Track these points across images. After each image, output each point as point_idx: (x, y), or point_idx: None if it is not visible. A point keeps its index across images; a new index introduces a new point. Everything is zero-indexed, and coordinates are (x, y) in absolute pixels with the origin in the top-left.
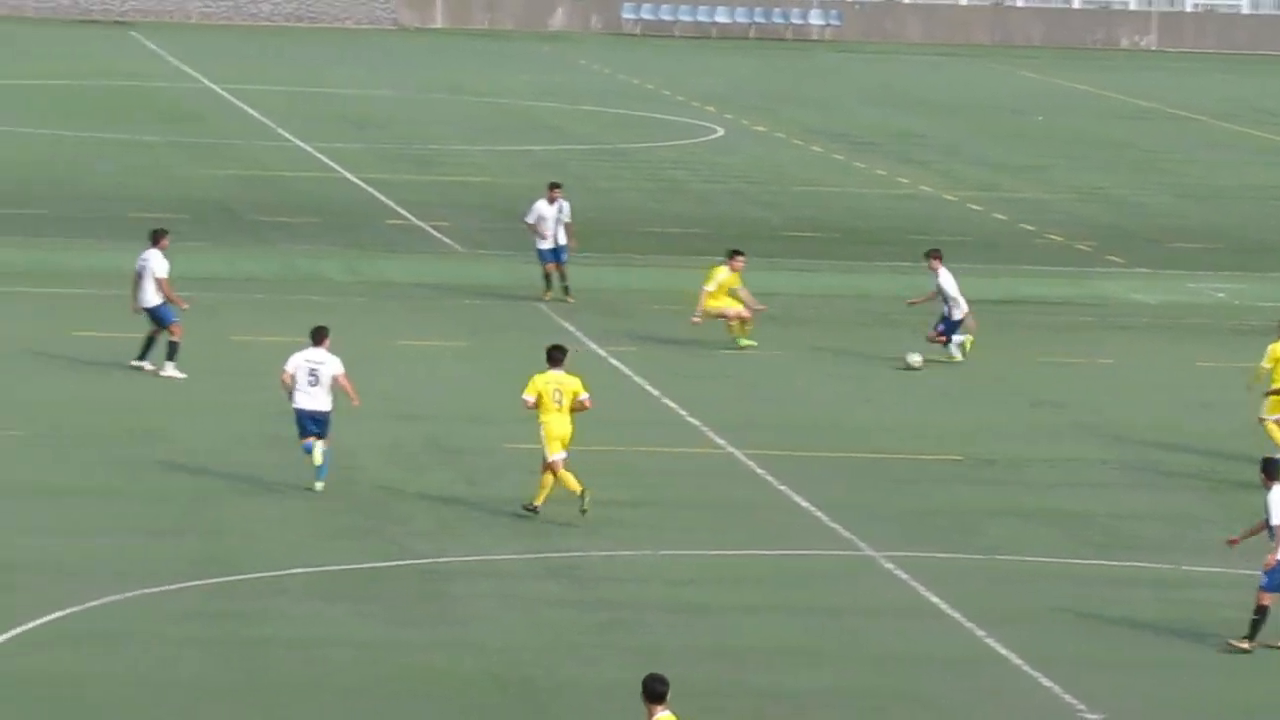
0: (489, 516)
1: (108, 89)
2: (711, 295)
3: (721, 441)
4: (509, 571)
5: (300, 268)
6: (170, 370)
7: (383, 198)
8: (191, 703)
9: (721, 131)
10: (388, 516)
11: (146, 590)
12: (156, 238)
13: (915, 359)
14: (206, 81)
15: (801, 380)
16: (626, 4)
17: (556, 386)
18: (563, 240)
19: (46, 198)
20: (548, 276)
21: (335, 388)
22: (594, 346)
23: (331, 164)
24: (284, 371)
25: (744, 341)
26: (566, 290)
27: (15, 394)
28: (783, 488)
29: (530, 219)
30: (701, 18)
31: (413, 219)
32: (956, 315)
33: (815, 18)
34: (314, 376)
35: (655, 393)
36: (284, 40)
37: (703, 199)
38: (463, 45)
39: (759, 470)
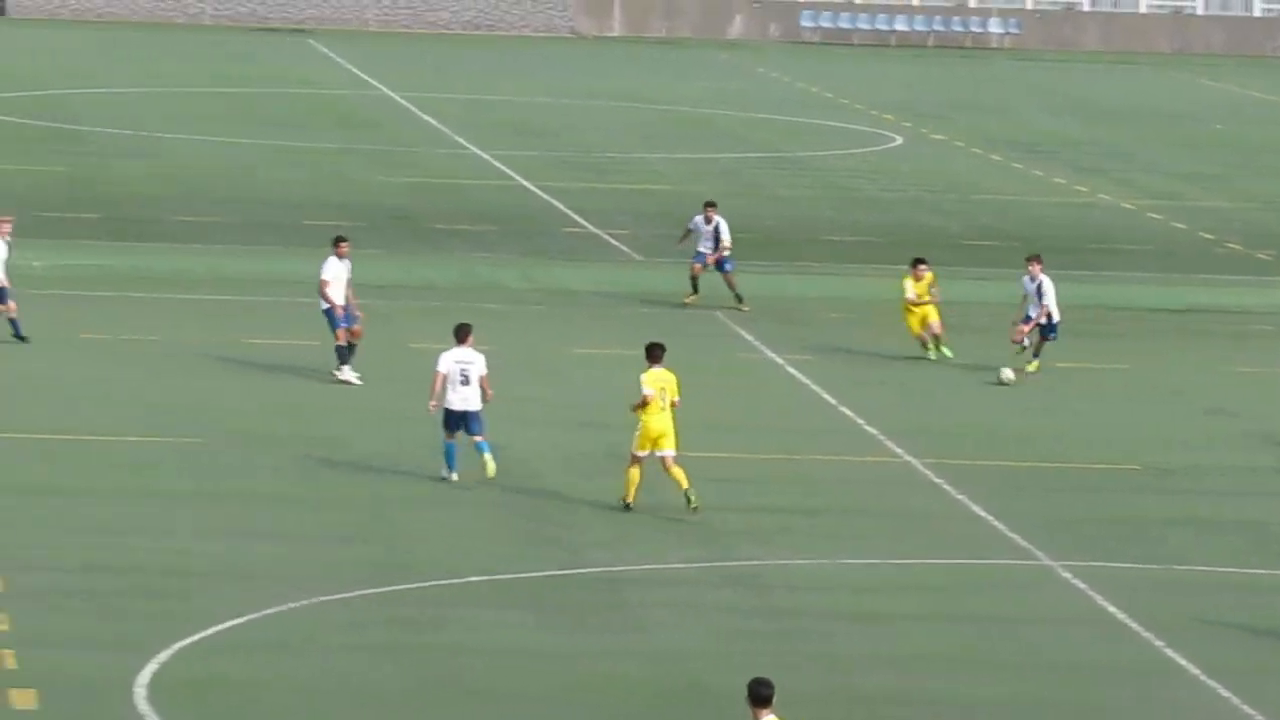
0: (666, 524)
1: (286, 96)
2: (912, 306)
3: (898, 450)
4: (686, 579)
5: (478, 275)
6: (344, 374)
7: (560, 205)
8: (369, 710)
9: (900, 140)
10: (566, 524)
11: (325, 597)
12: (335, 243)
13: (1008, 374)
14: (384, 89)
15: (979, 389)
16: (805, 12)
17: (662, 385)
18: (723, 252)
19: (224, 205)
20: (694, 279)
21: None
22: (771, 354)
23: (509, 172)
24: (436, 373)
25: (945, 351)
26: (739, 298)
27: (194, 400)
28: (960, 496)
29: (690, 225)
30: (880, 26)
31: (590, 227)
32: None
33: (994, 26)
34: (464, 376)
35: (832, 401)
36: (462, 47)
37: (880, 207)
38: (640, 53)
39: (936, 479)
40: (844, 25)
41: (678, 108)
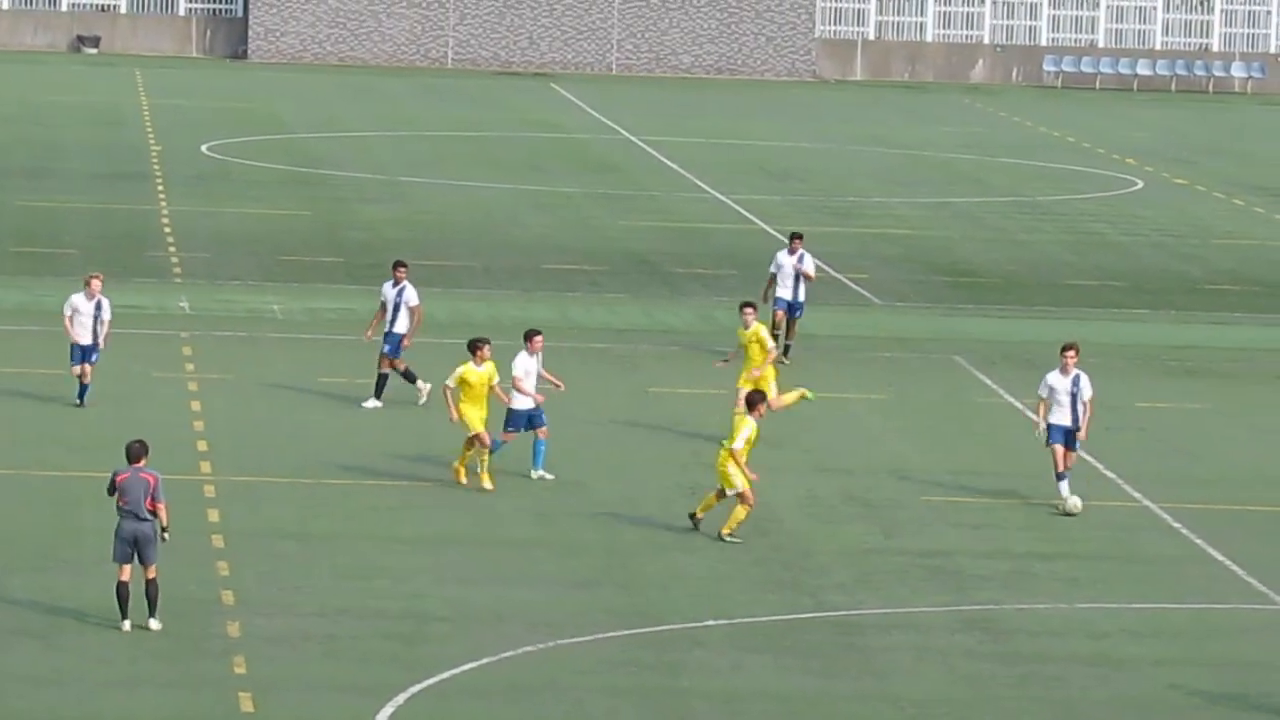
0: (905, 569)
1: (527, 140)
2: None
3: (1137, 495)
4: (925, 624)
5: (718, 320)
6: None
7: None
8: None
9: (1141, 184)
10: (805, 568)
11: (561, 641)
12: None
13: (1074, 503)
14: (625, 133)
15: (1218, 434)
16: (1048, 56)
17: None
18: (801, 295)
19: (465, 249)
20: (777, 326)
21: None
22: (1010, 399)
23: (749, 216)
24: (515, 377)
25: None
26: (786, 350)
27: (431, 444)
28: (1198, 541)
29: (771, 269)
30: (1123, 70)
31: (831, 271)
32: None
33: (1238, 70)
34: (530, 379)
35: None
36: (703, 92)
37: (1122, 251)
38: (882, 97)
39: (1174, 523)
40: (1086, 69)
41: (919, 151)
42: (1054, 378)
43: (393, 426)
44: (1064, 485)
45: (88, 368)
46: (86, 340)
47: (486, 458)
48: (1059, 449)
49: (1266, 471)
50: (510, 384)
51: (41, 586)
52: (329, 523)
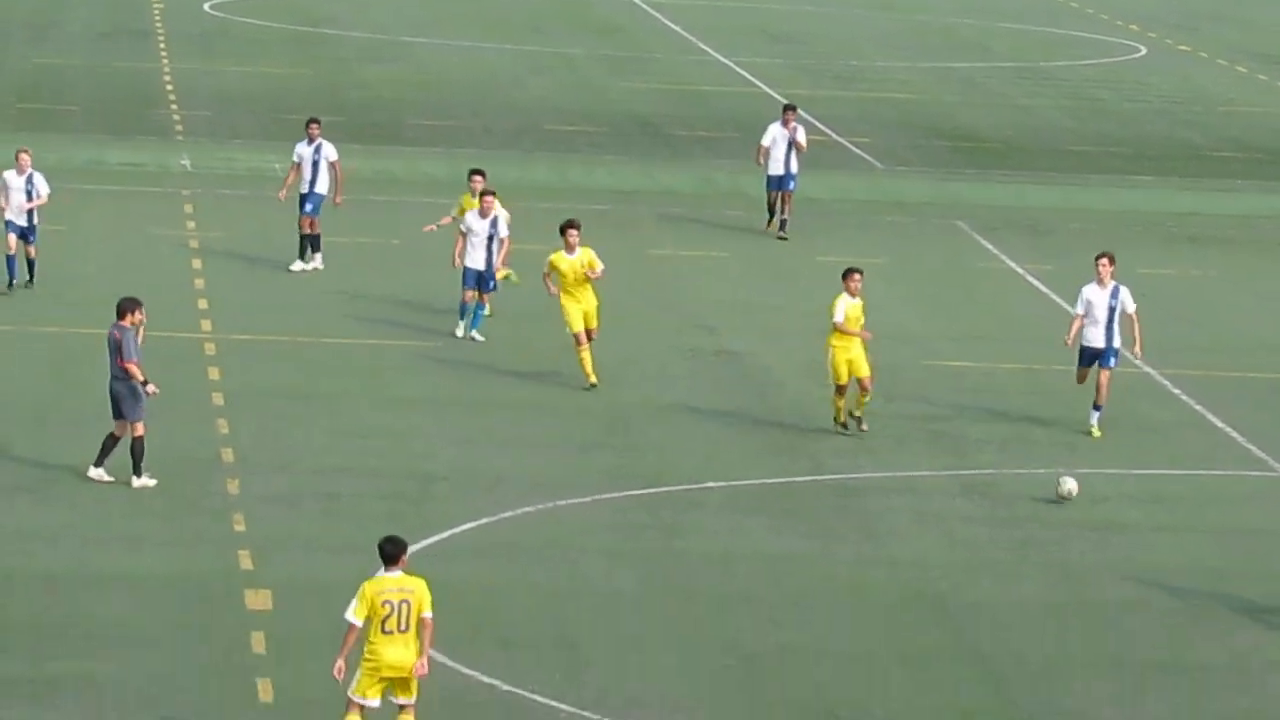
0: (905, 433)
1: (530, 1)
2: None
3: (1137, 361)
4: (924, 488)
5: (719, 183)
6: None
7: (802, 113)
8: (606, 613)
9: (1144, 50)
10: (804, 432)
11: (560, 502)
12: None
13: (1068, 486)
14: None
15: (1220, 301)
16: None
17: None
18: (794, 167)
19: (468, 109)
20: (771, 206)
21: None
22: (1012, 264)
23: (752, 79)
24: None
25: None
26: (783, 225)
27: (433, 303)
28: (1199, 408)
29: (765, 141)
30: None
31: (833, 135)
32: None
33: None
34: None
35: (1072, 310)
36: None
37: (1125, 119)
38: None
39: (1175, 390)
40: None
41: (922, 16)
42: (1090, 290)
43: (387, 283)
44: (1095, 416)
45: (28, 248)
46: (21, 220)
47: (585, 354)
48: (1090, 373)
49: (1268, 338)
50: None
51: (39, 443)
52: (329, 382)
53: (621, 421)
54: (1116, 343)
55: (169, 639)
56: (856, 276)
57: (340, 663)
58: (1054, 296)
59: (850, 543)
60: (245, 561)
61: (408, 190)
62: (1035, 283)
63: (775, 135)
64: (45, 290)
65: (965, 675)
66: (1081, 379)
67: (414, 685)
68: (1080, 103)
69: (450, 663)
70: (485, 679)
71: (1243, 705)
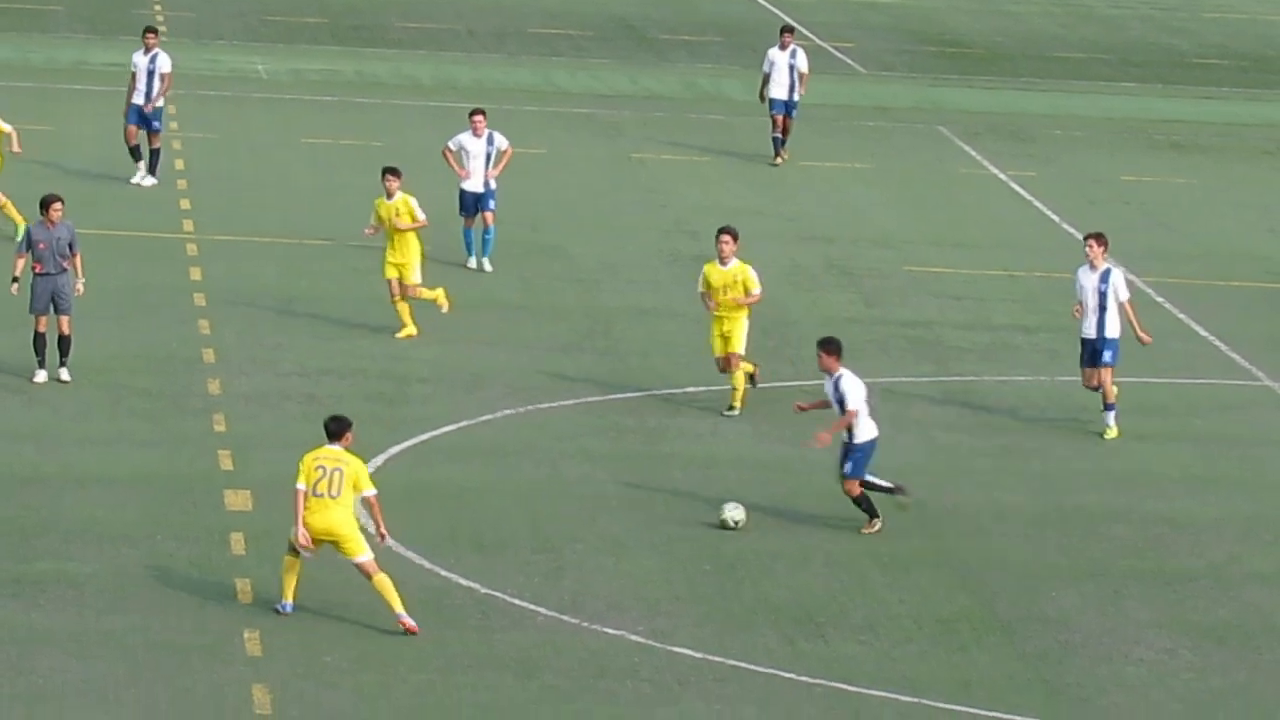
0: (886, 339)
1: None
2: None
3: (1121, 268)
4: (905, 394)
5: (702, 87)
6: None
7: (786, 18)
8: (583, 515)
9: None
10: (786, 337)
11: (543, 405)
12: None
13: (735, 515)
14: None
15: (1203, 208)
16: None
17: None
18: (797, 94)
19: (451, 11)
20: (776, 128)
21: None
22: (995, 170)
23: None
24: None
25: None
26: (780, 145)
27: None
28: (1182, 316)
29: (766, 68)
30: None
31: (816, 40)
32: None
33: None
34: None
35: (1055, 218)
36: None
37: (1110, 24)
38: None
39: (1159, 298)
40: None
41: None
42: (1082, 274)
43: (375, 191)
44: (1110, 416)
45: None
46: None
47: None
48: (1092, 373)
49: (1251, 247)
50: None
51: (21, 343)
52: (310, 283)
53: (603, 325)
54: (1111, 332)
55: (150, 539)
56: (725, 239)
57: (299, 531)
58: (1037, 204)
59: (830, 449)
60: (225, 461)
61: (392, 93)
62: (1018, 189)
63: (774, 59)
64: (33, 190)
65: (944, 581)
66: (1088, 381)
67: (354, 547)
68: (1066, 9)
69: (429, 564)
70: (463, 581)
71: (1221, 615)
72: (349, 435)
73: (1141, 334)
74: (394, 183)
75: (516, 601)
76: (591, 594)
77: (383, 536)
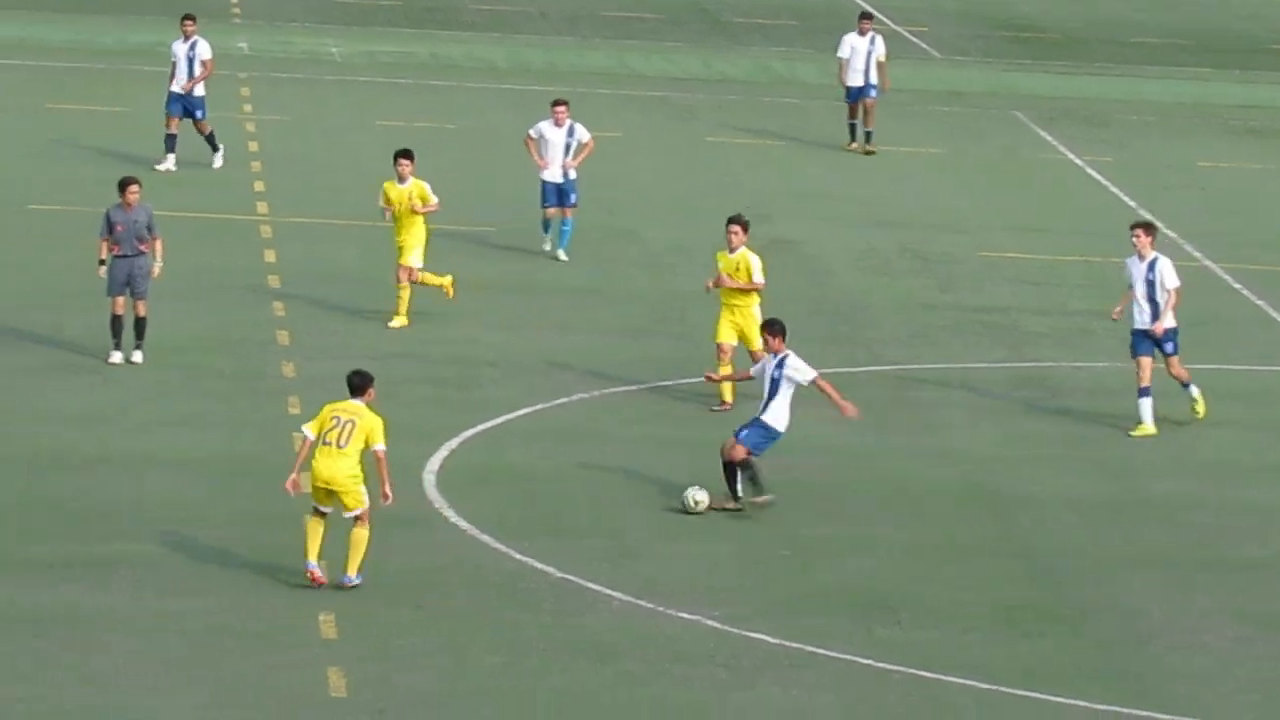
0: (961, 324)
1: None
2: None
3: (1197, 254)
4: (980, 380)
5: (775, 70)
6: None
7: (861, 2)
8: (653, 500)
9: None
10: (860, 323)
11: (613, 389)
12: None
13: (698, 498)
14: None
15: (1279, 194)
16: None
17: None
18: (874, 79)
19: None
20: (852, 122)
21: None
22: (1071, 156)
23: None
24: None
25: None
26: (868, 137)
27: (493, 188)
28: (1259, 302)
29: (842, 54)
30: None
31: (890, 24)
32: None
33: None
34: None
35: (1131, 204)
36: None
37: (1186, 10)
38: None
39: (1235, 284)
40: None
41: None
42: (1131, 263)
43: (449, 170)
44: (1145, 403)
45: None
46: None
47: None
48: (1149, 364)
49: None
50: None
51: (98, 325)
52: (384, 266)
53: (677, 309)
54: (1168, 322)
55: (223, 521)
56: (734, 229)
57: (293, 476)
58: (1113, 189)
59: (904, 434)
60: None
61: (466, 75)
62: (1094, 174)
63: (853, 45)
64: (110, 172)
65: (1014, 569)
66: (1141, 372)
67: (352, 500)
68: None
69: (503, 548)
70: (538, 565)
71: None
72: (370, 390)
73: (1160, 322)
74: (407, 166)
75: (591, 586)
76: (666, 579)
77: (385, 496)
